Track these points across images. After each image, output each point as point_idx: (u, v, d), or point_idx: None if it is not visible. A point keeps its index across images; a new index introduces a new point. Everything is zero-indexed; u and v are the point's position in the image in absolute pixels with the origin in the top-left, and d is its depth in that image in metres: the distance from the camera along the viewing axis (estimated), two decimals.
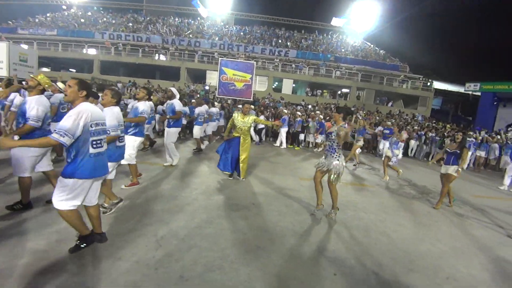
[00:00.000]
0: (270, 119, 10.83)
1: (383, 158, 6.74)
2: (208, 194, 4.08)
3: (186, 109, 8.52)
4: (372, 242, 3.11)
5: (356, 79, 23.28)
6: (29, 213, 2.87)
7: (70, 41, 23.28)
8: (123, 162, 3.88)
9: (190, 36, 25.74)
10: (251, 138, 9.05)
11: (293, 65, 23.08)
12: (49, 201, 3.06)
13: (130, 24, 27.29)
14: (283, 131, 9.82)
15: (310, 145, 10.60)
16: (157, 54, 23.07)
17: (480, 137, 11.53)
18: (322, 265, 2.51)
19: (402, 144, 6.70)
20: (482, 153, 10.67)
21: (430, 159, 11.07)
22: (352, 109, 18.72)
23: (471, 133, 12.85)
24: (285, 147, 9.78)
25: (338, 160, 3.53)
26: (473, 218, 4.52)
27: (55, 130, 2.03)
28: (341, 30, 30.95)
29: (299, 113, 11.34)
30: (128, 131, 3.89)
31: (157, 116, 7.63)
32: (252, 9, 33.01)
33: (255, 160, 6.82)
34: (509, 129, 16.85)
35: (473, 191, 6.66)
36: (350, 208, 4.19)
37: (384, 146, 8.87)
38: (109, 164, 2.77)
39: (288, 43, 27.23)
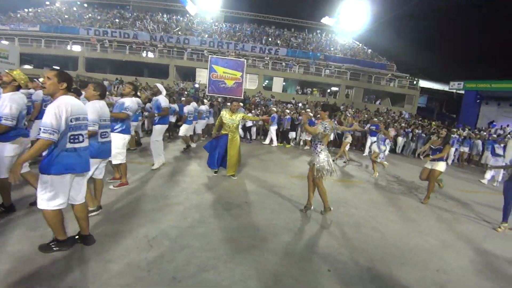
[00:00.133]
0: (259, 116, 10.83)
1: (367, 154, 6.89)
2: (200, 193, 4.03)
3: (175, 106, 8.39)
4: (364, 238, 3.15)
5: (345, 77, 23.61)
6: (12, 216, 2.74)
7: (54, 37, 22.42)
8: (114, 162, 3.78)
9: (179, 33, 25.30)
10: (241, 136, 9.07)
11: (283, 64, 23.14)
12: (33, 203, 2.94)
13: (117, 20, 26.53)
14: (273, 129, 9.84)
15: (301, 143, 10.67)
16: (145, 51, 22.57)
17: (464, 134, 11.94)
18: (316, 262, 2.52)
19: (388, 140, 6.84)
20: (466, 149, 11.05)
21: (421, 155, 11.42)
22: (341, 107, 18.98)
23: (455, 129, 13.29)
24: (275, 144, 9.80)
25: (319, 156, 3.54)
26: (459, 212, 4.67)
27: (41, 130, 1.94)
28: (330, 29, 31.21)
29: (288, 110, 11.39)
30: (115, 128, 3.74)
31: (146, 114, 7.49)
32: (242, 6, 32.80)
33: (246, 159, 6.79)
34: (491, 126, 17.53)
35: (457, 185, 6.88)
36: (341, 204, 4.24)
37: (371, 142, 9.07)
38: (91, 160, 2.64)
39: (278, 41, 27.24)
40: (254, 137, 10.50)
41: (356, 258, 2.66)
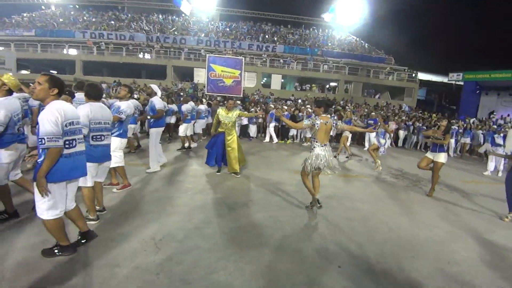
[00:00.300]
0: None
1: (367, 148, 6.84)
2: (204, 193, 3.99)
3: (174, 107, 8.35)
4: (372, 232, 3.12)
5: (344, 72, 23.51)
6: (16, 222, 2.70)
7: (49, 41, 22.25)
8: (112, 165, 3.71)
9: (175, 33, 25.17)
10: (240, 136, 9.06)
11: (281, 60, 23.02)
12: (34, 208, 2.91)
13: (112, 22, 26.37)
14: (271, 126, 9.82)
15: (303, 139, 10.64)
16: (141, 53, 22.45)
17: (471, 124, 11.91)
18: (326, 258, 2.49)
19: (388, 134, 6.79)
20: (467, 140, 11.00)
21: (426, 140, 11.38)
22: (341, 102, 18.93)
23: (454, 121, 13.26)
24: (275, 142, 9.78)
25: (311, 151, 3.54)
26: (464, 203, 4.63)
27: (45, 139, 1.91)
28: (327, 24, 31.05)
29: (285, 107, 11.35)
30: (112, 132, 3.64)
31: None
32: (237, 4, 32.60)
33: (247, 157, 6.75)
34: (491, 116, 17.49)
35: (461, 177, 6.85)
36: (347, 199, 4.21)
37: (370, 136, 9.02)
38: (90, 164, 2.59)
39: (275, 38, 27.10)
40: (254, 135, 10.46)
41: (366, 253, 2.63)
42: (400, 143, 12.06)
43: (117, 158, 3.68)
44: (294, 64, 22.97)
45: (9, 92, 2.75)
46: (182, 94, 13.76)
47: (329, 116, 3.58)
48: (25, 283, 1.90)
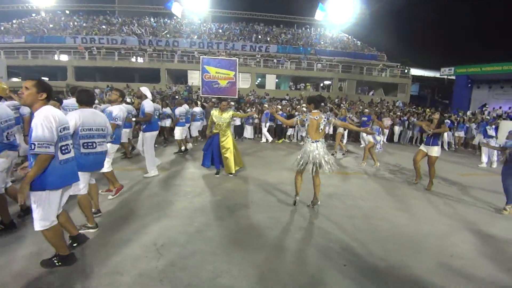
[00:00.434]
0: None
1: (363, 145, 6.88)
2: (203, 196, 3.96)
3: (168, 110, 8.29)
4: (374, 229, 3.12)
5: (337, 70, 23.63)
6: (13, 232, 2.63)
7: (40, 47, 21.92)
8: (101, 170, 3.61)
9: (168, 36, 25.04)
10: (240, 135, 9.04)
11: (275, 60, 23.04)
12: (20, 215, 2.86)
13: (103, 26, 26.11)
14: (263, 126, 9.84)
15: (301, 139, 10.65)
16: (134, 57, 22.26)
17: (466, 117, 12.04)
18: (330, 257, 2.48)
19: (384, 130, 6.82)
20: (461, 133, 11.12)
21: (414, 142, 11.57)
22: (336, 100, 19.03)
23: (447, 114, 13.42)
24: (270, 141, 9.81)
25: (302, 148, 3.58)
26: (462, 196, 4.67)
27: (35, 145, 1.85)
28: (319, 23, 31.21)
29: (279, 106, 11.38)
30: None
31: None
32: (229, 5, 32.60)
33: (245, 158, 6.74)
34: (484, 108, 17.74)
35: (457, 170, 6.92)
36: (347, 197, 4.21)
37: (364, 134, 9.07)
38: (81, 173, 2.52)
39: (268, 39, 27.13)
40: (251, 136, 10.45)
41: (370, 250, 2.62)
42: (395, 138, 12.18)
43: (106, 164, 3.57)
44: (288, 63, 23.02)
45: None
46: (177, 97, 13.68)
47: (320, 111, 3.51)
48: None
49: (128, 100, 9.46)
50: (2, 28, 25.13)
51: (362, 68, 24.11)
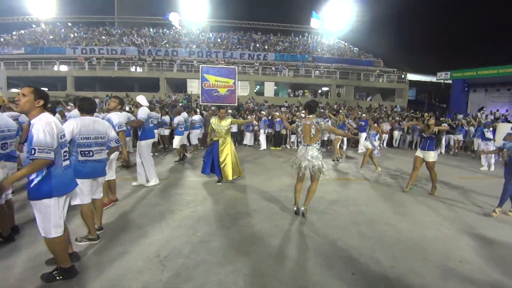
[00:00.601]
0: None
1: (363, 150, 6.89)
2: (206, 205, 3.91)
3: (166, 118, 8.32)
4: (380, 235, 3.08)
5: (335, 77, 23.86)
6: (11, 246, 2.58)
7: (40, 58, 22.11)
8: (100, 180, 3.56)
9: (167, 45, 25.33)
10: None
11: (273, 68, 23.29)
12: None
13: (103, 37, 26.43)
14: (262, 133, 9.88)
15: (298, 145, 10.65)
16: (133, 66, 22.44)
17: (464, 121, 12.08)
18: (339, 266, 2.43)
19: (380, 135, 6.81)
20: (460, 137, 11.12)
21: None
22: (335, 106, 19.14)
23: (443, 119, 13.49)
24: (263, 148, 9.78)
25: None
26: (465, 200, 4.63)
27: (35, 150, 1.83)
28: (316, 31, 31.72)
29: (277, 113, 11.43)
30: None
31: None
32: (226, 15, 33.18)
33: (246, 165, 6.73)
34: (481, 112, 17.86)
35: (458, 174, 6.90)
36: (351, 203, 4.17)
37: (362, 139, 9.10)
38: (81, 181, 2.52)
39: (266, 47, 27.49)
40: (251, 143, 10.45)
41: (378, 258, 2.58)
42: (395, 143, 12.20)
43: (110, 172, 3.56)
44: (286, 71, 23.25)
45: None
46: (177, 105, 13.74)
47: (315, 117, 3.49)
48: None
49: (127, 108, 9.49)
50: (2, 39, 25.39)
51: (360, 74, 24.37)
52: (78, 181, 2.51)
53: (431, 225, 3.47)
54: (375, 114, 14.95)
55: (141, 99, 4.82)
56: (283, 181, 5.22)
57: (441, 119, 13.28)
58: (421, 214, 3.87)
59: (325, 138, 10.57)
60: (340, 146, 8.38)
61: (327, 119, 10.26)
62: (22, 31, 27.84)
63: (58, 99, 14.56)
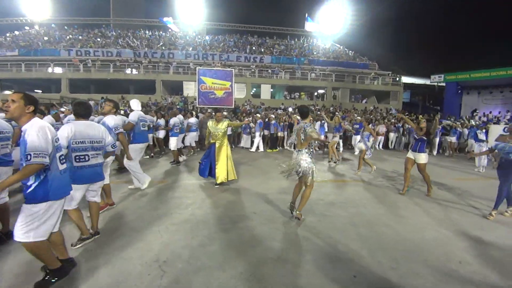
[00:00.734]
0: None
1: (357, 153, 6.94)
2: (205, 208, 3.87)
3: (161, 121, 8.27)
4: (380, 237, 3.08)
5: (331, 79, 24.06)
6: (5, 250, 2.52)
7: (34, 60, 21.85)
8: (98, 184, 3.50)
9: (163, 48, 25.27)
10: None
11: (269, 71, 23.39)
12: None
13: (98, 39, 26.25)
14: (257, 135, 9.84)
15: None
16: (129, 68, 22.31)
17: (458, 123, 12.23)
18: (340, 268, 2.41)
19: (373, 137, 6.89)
20: (453, 139, 11.25)
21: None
22: (331, 108, 19.27)
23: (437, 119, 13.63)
24: (253, 150, 9.74)
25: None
26: (463, 201, 4.66)
27: (31, 155, 1.80)
28: (311, 34, 32.00)
29: (272, 115, 11.45)
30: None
31: None
32: (223, 18, 33.34)
33: (243, 167, 6.71)
34: (474, 114, 18.15)
35: (454, 175, 6.96)
36: (349, 205, 4.17)
37: (355, 141, 9.18)
38: (76, 186, 2.54)
39: (262, 50, 27.61)
40: (248, 146, 10.43)
41: (379, 259, 2.57)
42: (391, 145, 12.30)
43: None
44: (282, 73, 23.37)
45: None
46: (173, 108, 13.67)
47: (305, 121, 3.46)
48: None
49: (122, 112, 9.42)
50: None
51: (355, 77, 24.62)
52: (73, 187, 2.50)
53: (429, 226, 3.48)
54: (371, 117, 15.08)
55: (134, 103, 4.75)
56: (281, 184, 5.20)
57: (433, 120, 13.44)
58: (419, 215, 3.89)
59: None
60: (336, 148, 8.41)
61: (323, 121, 10.38)
62: (16, 33, 27.52)
63: (52, 101, 14.39)
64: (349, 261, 2.55)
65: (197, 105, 12.88)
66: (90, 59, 22.16)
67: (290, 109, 16.00)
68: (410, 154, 4.95)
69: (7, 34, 26.80)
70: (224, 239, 2.93)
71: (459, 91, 21.55)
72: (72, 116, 4.36)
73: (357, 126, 9.35)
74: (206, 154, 5.09)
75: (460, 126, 12.06)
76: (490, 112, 18.08)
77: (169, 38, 27.83)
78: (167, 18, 23.99)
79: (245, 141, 10.43)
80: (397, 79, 25.38)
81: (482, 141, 8.44)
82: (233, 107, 13.38)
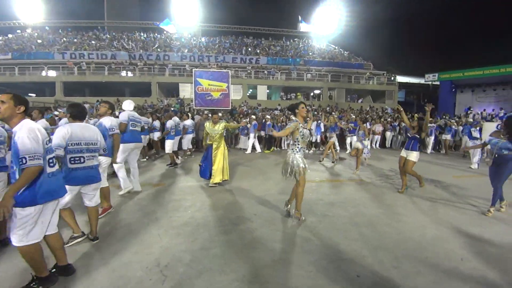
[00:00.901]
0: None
1: (348, 152, 7.00)
2: (204, 210, 3.84)
3: (156, 123, 8.23)
4: (381, 236, 3.08)
5: (326, 79, 24.19)
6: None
7: (27, 63, 21.61)
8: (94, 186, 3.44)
9: (158, 50, 25.16)
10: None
11: (265, 72, 23.43)
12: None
13: (93, 42, 26.04)
14: (251, 137, 9.84)
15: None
16: (124, 71, 22.15)
17: (453, 121, 12.34)
18: (343, 268, 2.40)
19: (367, 134, 7.00)
20: (448, 137, 11.35)
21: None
22: (327, 108, 19.35)
23: (431, 119, 13.75)
24: (248, 151, 9.74)
25: None
26: (460, 198, 4.70)
27: (26, 158, 1.78)
28: (307, 35, 32.17)
29: (268, 116, 11.45)
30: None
31: None
32: (218, 20, 33.34)
33: (242, 169, 6.69)
34: (469, 112, 18.36)
35: (451, 173, 7.02)
36: (349, 204, 4.17)
37: (352, 140, 9.20)
38: (71, 187, 2.55)
39: (258, 51, 27.66)
40: (246, 147, 10.41)
41: (381, 259, 2.57)
42: (388, 144, 12.39)
43: (102, 179, 3.44)
44: (278, 74, 23.43)
45: None
46: (169, 110, 13.60)
47: (295, 118, 3.48)
48: None
49: (117, 113, 9.32)
50: None
51: (350, 77, 24.78)
52: (68, 187, 2.50)
53: (429, 224, 3.49)
54: (367, 116, 15.17)
55: (126, 103, 4.62)
56: (280, 184, 5.19)
57: (431, 119, 13.56)
58: (418, 213, 3.90)
59: (313, 140, 10.64)
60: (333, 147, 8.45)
61: (319, 121, 10.41)
62: (10, 35, 27.18)
63: (47, 105, 14.21)
64: (351, 261, 2.54)
65: (194, 107, 12.83)
66: (85, 61, 21.97)
67: (276, 112, 15.91)
68: (403, 153, 5.00)
69: (0, 38, 26.45)
70: (225, 241, 2.90)
71: (453, 90, 21.82)
72: (63, 121, 4.29)
73: (352, 124, 9.40)
74: (204, 156, 5.14)
75: (455, 124, 12.20)
76: (484, 110, 18.30)
77: (164, 40, 27.73)
78: (165, 21, 23.92)
79: (243, 142, 10.41)
80: (392, 78, 25.60)
81: (476, 138, 8.54)
82: (230, 108, 13.36)
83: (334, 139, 8.30)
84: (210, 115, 5.14)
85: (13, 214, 1.86)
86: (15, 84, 21.52)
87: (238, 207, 3.98)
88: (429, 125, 10.52)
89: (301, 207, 3.49)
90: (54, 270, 2.19)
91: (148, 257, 2.55)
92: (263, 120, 10.89)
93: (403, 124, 12.59)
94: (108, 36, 27.79)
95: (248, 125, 10.09)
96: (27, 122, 1.91)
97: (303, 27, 29.37)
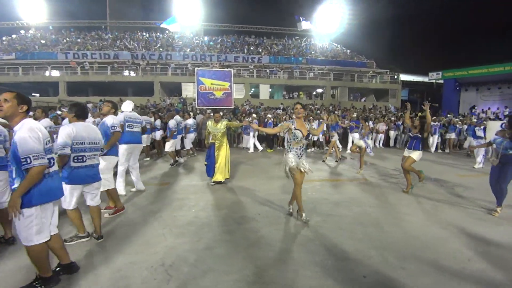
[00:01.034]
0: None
1: (349, 150, 7.02)
2: (209, 210, 3.84)
3: (158, 122, 8.23)
4: (388, 236, 3.05)
5: (329, 78, 24.05)
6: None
7: (31, 63, 21.72)
8: (101, 188, 3.40)
9: (161, 49, 25.20)
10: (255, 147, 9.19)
11: (268, 71, 23.35)
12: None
13: (96, 41, 26.14)
14: (251, 135, 9.83)
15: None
16: (127, 71, 22.21)
17: (457, 120, 12.22)
18: (349, 269, 2.38)
19: (374, 134, 6.98)
20: (452, 135, 11.25)
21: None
22: (330, 107, 19.27)
23: (435, 118, 13.63)
24: (251, 150, 9.71)
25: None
26: (465, 198, 4.64)
27: (30, 158, 1.78)
28: (309, 33, 32.00)
29: (270, 115, 11.43)
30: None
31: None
32: (220, 19, 33.29)
33: (244, 168, 6.67)
34: (473, 110, 18.18)
35: (455, 172, 6.95)
36: (354, 204, 4.14)
37: (354, 138, 9.13)
38: (73, 186, 2.57)
39: (260, 50, 27.58)
40: (248, 146, 10.40)
41: (388, 259, 2.54)
42: (391, 143, 12.30)
43: (106, 181, 3.42)
44: (281, 73, 23.34)
45: None
46: (172, 109, 13.63)
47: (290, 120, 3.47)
48: None
49: (119, 113, 9.33)
50: None
51: (353, 76, 24.62)
52: (70, 186, 2.53)
53: (435, 224, 3.46)
54: (371, 115, 15.07)
55: (125, 104, 4.57)
56: (283, 183, 5.17)
57: (434, 117, 13.43)
58: (424, 213, 3.86)
59: (315, 139, 10.59)
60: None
61: (321, 120, 10.36)
62: (13, 36, 27.37)
63: (50, 104, 14.30)
64: (358, 261, 2.51)
65: (197, 106, 12.84)
66: (88, 61, 22.06)
67: (279, 111, 15.86)
68: (406, 152, 4.98)
69: (4, 38, 26.63)
70: (230, 241, 2.89)
71: (457, 88, 21.60)
72: (65, 120, 4.29)
73: (354, 123, 9.34)
74: (208, 155, 5.19)
75: (460, 122, 12.09)
76: (489, 108, 18.12)
77: (166, 39, 27.76)
78: (170, 19, 23.87)
79: (245, 141, 10.39)
80: (395, 77, 25.40)
81: (481, 137, 8.46)
82: (232, 107, 13.35)
83: (336, 138, 8.26)
84: (212, 114, 5.14)
85: (15, 216, 1.86)
86: (19, 84, 21.65)
87: (241, 207, 3.97)
88: (433, 123, 10.47)
89: (303, 207, 3.45)
90: (58, 268, 2.20)
91: (153, 257, 2.55)
92: (265, 120, 10.87)
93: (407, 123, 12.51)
94: (111, 36, 27.86)
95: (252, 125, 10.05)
96: (27, 122, 1.91)
97: (303, 25, 29.20)
